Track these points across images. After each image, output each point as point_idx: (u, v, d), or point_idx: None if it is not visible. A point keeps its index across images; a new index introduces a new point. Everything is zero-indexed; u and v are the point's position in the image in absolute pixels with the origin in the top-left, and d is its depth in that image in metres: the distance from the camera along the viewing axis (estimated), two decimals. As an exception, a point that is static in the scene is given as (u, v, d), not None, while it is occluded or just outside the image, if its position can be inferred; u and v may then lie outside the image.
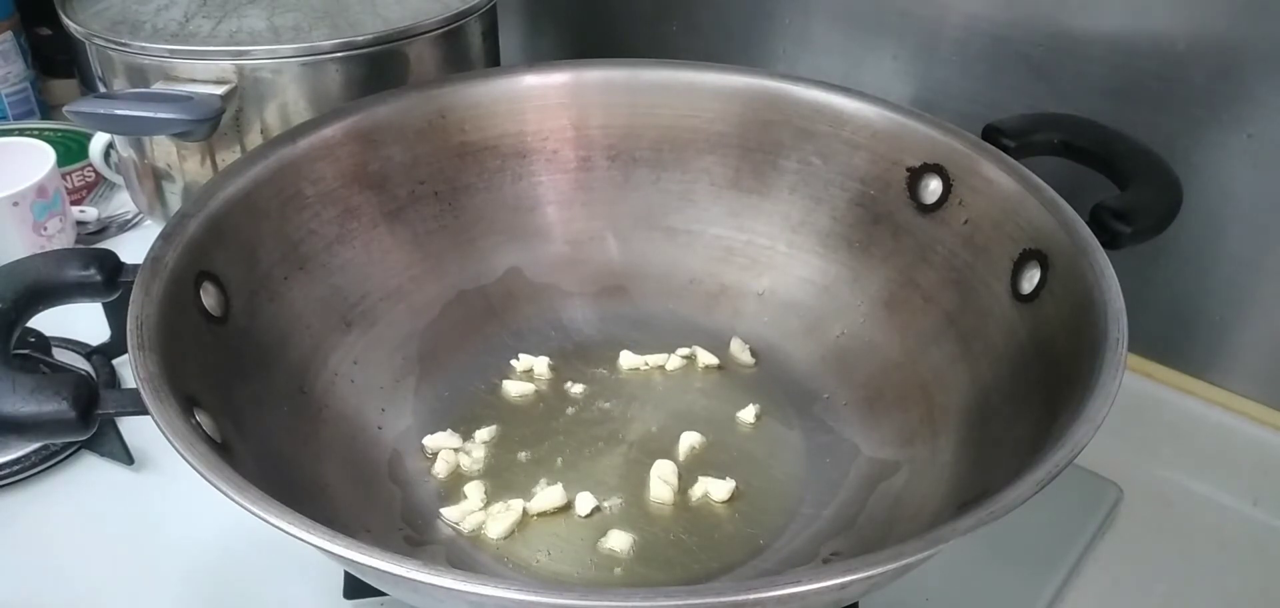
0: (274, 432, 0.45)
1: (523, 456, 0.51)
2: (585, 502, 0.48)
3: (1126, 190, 0.51)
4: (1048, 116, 0.58)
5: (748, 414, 0.54)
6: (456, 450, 0.51)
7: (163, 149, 0.65)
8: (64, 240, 0.72)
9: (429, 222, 0.58)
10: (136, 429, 0.56)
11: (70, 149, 0.82)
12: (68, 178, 0.80)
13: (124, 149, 0.69)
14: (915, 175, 0.55)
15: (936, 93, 0.68)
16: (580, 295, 0.61)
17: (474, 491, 0.49)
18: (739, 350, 0.57)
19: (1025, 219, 0.49)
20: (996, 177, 0.51)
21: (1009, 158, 0.52)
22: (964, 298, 0.51)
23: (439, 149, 0.58)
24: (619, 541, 0.46)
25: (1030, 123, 0.56)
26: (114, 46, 0.61)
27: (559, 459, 0.51)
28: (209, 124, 0.58)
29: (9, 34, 0.89)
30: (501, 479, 0.50)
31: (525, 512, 0.48)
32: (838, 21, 0.71)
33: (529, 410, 0.54)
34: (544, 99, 0.60)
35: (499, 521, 0.47)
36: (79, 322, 0.61)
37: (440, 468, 0.50)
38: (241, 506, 0.32)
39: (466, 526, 0.47)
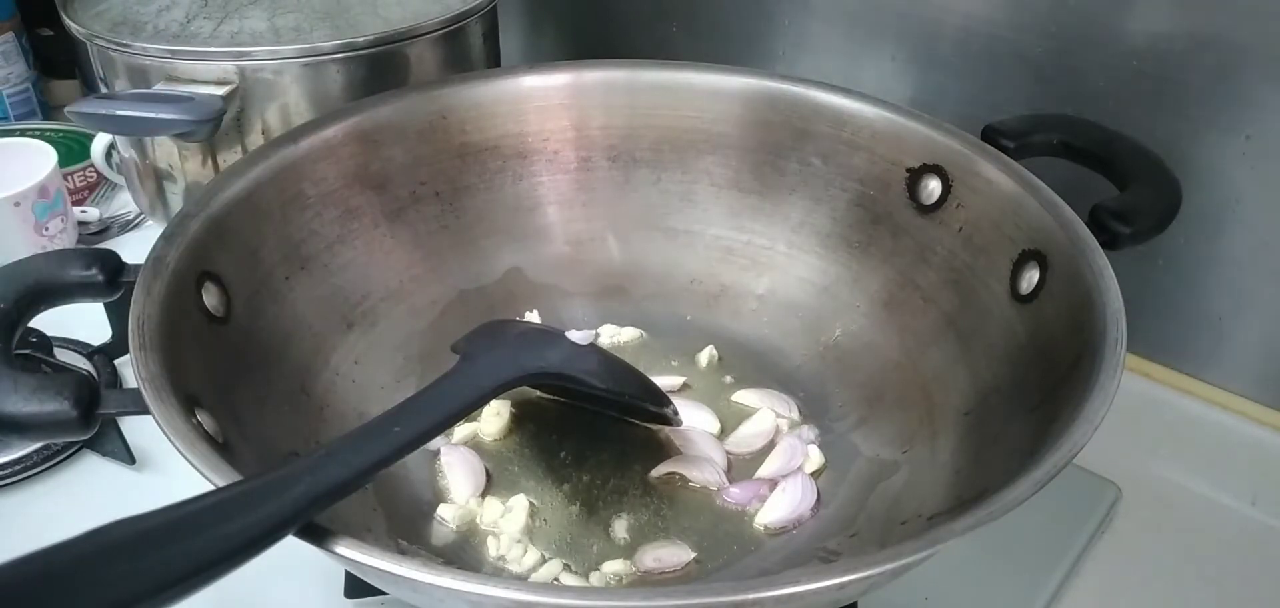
0: (275, 432, 0.45)
1: (523, 455, 0.51)
2: (587, 502, 0.48)
3: (1125, 191, 0.51)
4: (1047, 117, 0.58)
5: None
6: (458, 449, 0.51)
7: (164, 150, 0.65)
8: (66, 241, 0.72)
9: (430, 222, 0.58)
10: (138, 429, 0.56)
11: (72, 150, 0.82)
12: (69, 178, 0.80)
13: (125, 150, 0.69)
14: (915, 176, 0.55)
15: (935, 93, 0.68)
16: (581, 296, 0.61)
17: (474, 490, 0.49)
18: (727, 356, 0.58)
19: (1024, 220, 0.49)
20: (995, 177, 0.51)
21: (1008, 158, 0.52)
22: (963, 298, 0.52)
23: (440, 150, 0.58)
24: (621, 533, 0.47)
25: (1029, 123, 0.56)
26: (115, 47, 0.61)
27: (560, 458, 0.51)
28: (210, 125, 0.58)
29: (10, 35, 0.89)
30: (503, 479, 0.50)
31: (529, 507, 0.48)
32: (837, 22, 0.71)
33: (529, 411, 0.54)
34: (545, 100, 0.60)
35: (498, 518, 0.47)
36: (81, 322, 0.61)
37: (442, 467, 0.50)
38: (243, 505, 0.32)
39: (466, 524, 0.47)
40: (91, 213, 0.79)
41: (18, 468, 0.54)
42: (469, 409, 0.42)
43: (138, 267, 0.42)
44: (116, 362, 0.62)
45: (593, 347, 0.48)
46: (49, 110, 0.93)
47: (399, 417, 0.38)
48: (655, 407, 0.49)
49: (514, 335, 0.49)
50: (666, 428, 0.52)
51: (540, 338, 0.50)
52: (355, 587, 0.47)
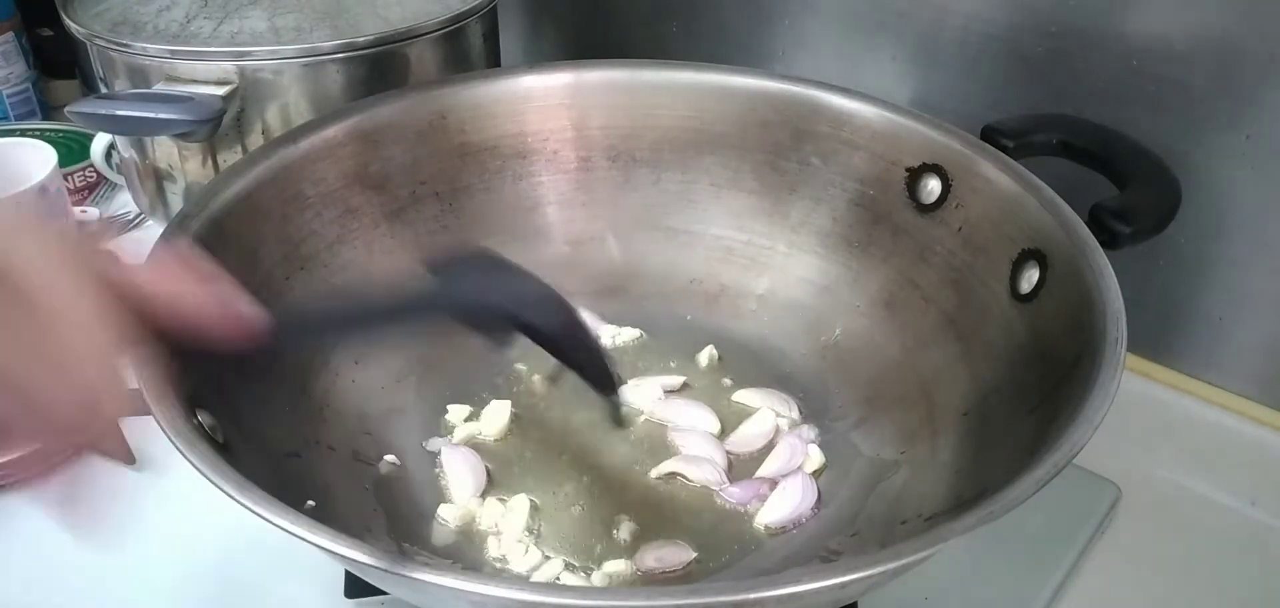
0: (275, 432, 0.45)
1: (524, 455, 0.51)
2: (588, 502, 0.48)
3: (1125, 190, 0.51)
4: (1046, 117, 0.58)
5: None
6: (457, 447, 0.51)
7: (164, 150, 0.65)
8: (65, 241, 0.72)
9: (430, 222, 0.58)
10: (138, 429, 0.56)
11: (72, 150, 0.82)
12: (69, 178, 0.80)
13: (125, 150, 0.69)
14: (914, 175, 0.55)
15: (935, 93, 0.68)
16: (581, 296, 0.60)
17: (475, 490, 0.49)
18: (725, 357, 0.58)
19: (1024, 219, 0.49)
20: (995, 177, 0.51)
21: (1008, 158, 0.52)
22: (963, 298, 0.52)
23: (440, 150, 0.58)
24: (622, 533, 0.47)
25: (1029, 123, 0.56)
26: (115, 47, 0.61)
27: (561, 458, 0.51)
28: (210, 125, 0.58)
29: (10, 35, 0.89)
30: (504, 479, 0.50)
31: (530, 507, 0.48)
32: (837, 22, 0.71)
33: (530, 412, 0.54)
34: (544, 100, 0.61)
35: (499, 518, 0.47)
36: (81, 322, 0.61)
37: (442, 467, 0.50)
38: (243, 505, 0.33)
39: (467, 524, 0.47)
40: (91, 213, 0.79)
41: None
42: (421, 315, 0.43)
43: (138, 267, 0.42)
44: (116, 362, 0.62)
45: (561, 303, 0.46)
46: (49, 110, 0.93)
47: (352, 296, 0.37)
48: (600, 392, 0.47)
49: (487, 266, 0.47)
50: (667, 428, 0.52)
51: (510, 279, 0.46)
52: (355, 587, 0.47)
